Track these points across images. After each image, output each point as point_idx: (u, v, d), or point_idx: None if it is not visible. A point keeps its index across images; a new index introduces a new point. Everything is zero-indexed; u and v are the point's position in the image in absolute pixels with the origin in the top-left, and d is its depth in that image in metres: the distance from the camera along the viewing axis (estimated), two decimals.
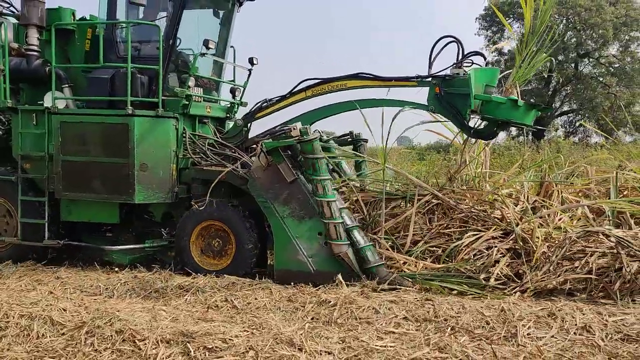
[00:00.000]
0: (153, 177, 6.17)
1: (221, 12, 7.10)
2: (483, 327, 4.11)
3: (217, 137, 6.73)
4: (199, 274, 5.76)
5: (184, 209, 6.42)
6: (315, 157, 5.33)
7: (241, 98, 7.55)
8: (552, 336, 3.89)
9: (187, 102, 6.35)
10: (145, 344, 3.73)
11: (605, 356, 3.58)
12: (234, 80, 7.68)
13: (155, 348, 3.68)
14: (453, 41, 5.73)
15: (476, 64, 5.69)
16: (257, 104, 6.74)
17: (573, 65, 29.06)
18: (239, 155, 6.31)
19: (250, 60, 7.27)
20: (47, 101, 6.43)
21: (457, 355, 3.59)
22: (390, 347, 3.75)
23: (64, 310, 4.41)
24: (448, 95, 5.64)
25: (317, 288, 5.18)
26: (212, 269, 6.02)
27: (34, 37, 6.50)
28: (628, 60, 27.67)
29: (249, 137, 6.82)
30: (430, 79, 5.84)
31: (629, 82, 27.18)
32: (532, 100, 5.25)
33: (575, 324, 4.04)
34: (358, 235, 5.52)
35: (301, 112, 6.55)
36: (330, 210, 5.35)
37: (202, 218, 6.07)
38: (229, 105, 7.50)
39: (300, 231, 5.62)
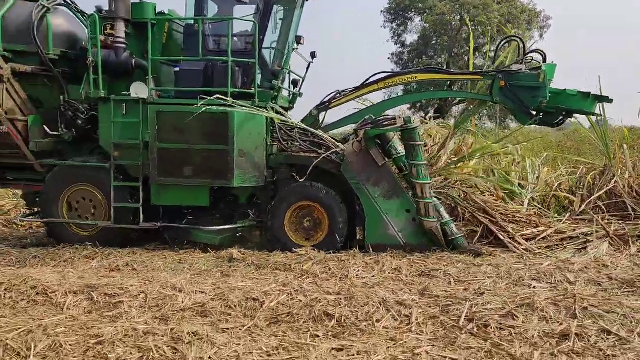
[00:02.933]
0: (249, 163, 6.69)
1: (290, 7, 7.56)
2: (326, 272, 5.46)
3: (294, 125, 7.30)
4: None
5: (270, 191, 7.02)
6: (416, 143, 6.11)
7: (299, 89, 8.10)
8: (373, 275, 5.33)
9: (276, 94, 6.89)
10: (56, 294, 4.58)
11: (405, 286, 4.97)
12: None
13: (64, 297, 4.54)
14: (515, 39, 6.64)
15: (535, 60, 6.62)
16: (329, 94, 7.39)
17: (466, 58, 31.87)
18: (326, 142, 6.93)
19: (313, 54, 7.82)
20: (137, 92, 6.74)
21: (295, 289, 4.78)
22: (249, 285, 4.91)
23: None
24: (514, 88, 6.55)
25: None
26: (303, 244, 6.67)
27: (121, 30, 6.78)
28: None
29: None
30: (495, 73, 6.73)
31: None
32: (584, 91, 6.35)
33: (391, 267, 5.56)
34: (443, 212, 6.40)
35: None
36: (423, 191, 6.17)
37: (298, 198, 6.68)
38: (291, 96, 8.05)
39: (390, 209, 6.42)
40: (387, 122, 6.23)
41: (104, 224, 6.85)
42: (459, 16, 31.30)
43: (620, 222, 7.11)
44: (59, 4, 7.23)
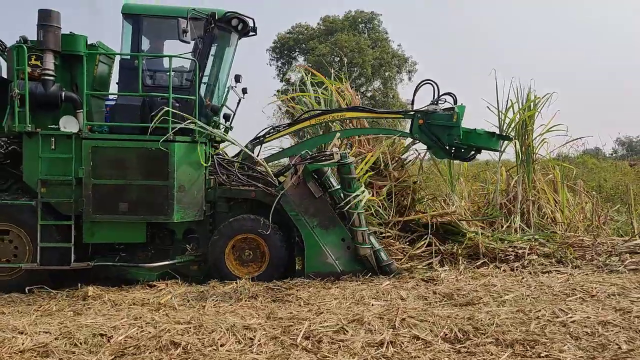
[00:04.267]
0: (188, 198, 6.77)
1: (225, 45, 7.81)
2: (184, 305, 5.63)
3: (232, 159, 7.55)
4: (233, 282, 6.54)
5: (207, 225, 7.13)
6: (352, 176, 6.73)
7: (231, 122, 8.36)
8: (230, 304, 5.60)
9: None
10: None
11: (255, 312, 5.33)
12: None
13: None
14: (429, 83, 7.67)
15: (447, 102, 7.68)
16: (264, 129, 7.79)
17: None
18: (263, 176, 7.27)
19: (244, 90, 8.16)
20: (66, 125, 6.52)
21: (147, 321, 4.87)
22: (100, 322, 4.89)
23: None
24: (431, 126, 7.53)
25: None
26: (246, 276, 6.87)
27: (50, 62, 6.54)
28: (391, 96, 34.66)
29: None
30: (413, 113, 7.68)
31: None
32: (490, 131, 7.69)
33: (248, 295, 5.90)
34: (374, 240, 7.07)
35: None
36: (359, 220, 6.78)
37: (238, 231, 6.89)
38: (223, 130, 8.28)
39: (327, 238, 6.91)
40: (324, 158, 6.78)
41: (28, 265, 6.39)
42: (338, 57, 33.75)
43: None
44: None
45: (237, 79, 7.28)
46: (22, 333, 4.52)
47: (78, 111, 6.64)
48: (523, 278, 6.59)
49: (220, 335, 4.43)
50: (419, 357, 4.04)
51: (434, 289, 6.05)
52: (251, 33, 7.64)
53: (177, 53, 6.92)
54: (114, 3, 7.49)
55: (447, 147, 7.55)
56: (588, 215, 9.14)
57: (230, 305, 5.56)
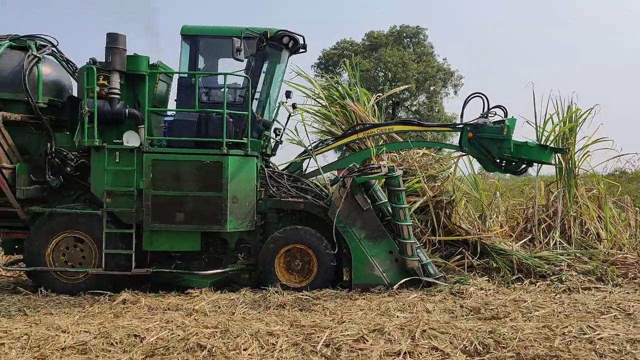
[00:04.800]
0: (240, 209, 7.06)
1: (276, 62, 8.06)
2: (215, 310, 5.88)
3: (282, 172, 7.82)
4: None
5: (258, 235, 7.40)
6: (400, 189, 6.84)
7: (281, 137, 8.65)
8: (258, 312, 5.88)
9: (266, 143, 7.40)
10: None
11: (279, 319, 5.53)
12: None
13: None
14: (479, 96, 7.68)
15: (498, 115, 7.67)
16: (313, 142, 8.03)
17: (391, 110, 35.24)
18: (312, 188, 7.49)
19: (294, 105, 8.45)
20: (128, 140, 6.96)
21: (178, 325, 5.19)
22: (135, 324, 5.21)
23: None
24: (480, 140, 7.53)
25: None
26: (295, 285, 7.07)
27: (116, 81, 7.02)
28: (436, 110, 34.19)
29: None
30: (463, 125, 7.71)
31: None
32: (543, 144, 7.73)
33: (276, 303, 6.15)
34: (422, 254, 7.11)
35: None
36: (408, 232, 6.86)
37: (288, 242, 7.11)
38: (274, 144, 8.59)
39: (375, 251, 7.01)
40: (372, 170, 6.93)
41: (95, 270, 6.84)
42: (382, 73, 33.96)
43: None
44: (49, 53, 7.36)
45: (288, 94, 7.59)
46: (64, 332, 4.90)
47: (140, 127, 7.07)
48: (557, 295, 6.51)
49: (244, 340, 4.65)
50: None
51: (461, 303, 6.06)
52: (301, 50, 7.95)
53: (231, 71, 7.29)
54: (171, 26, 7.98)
55: (498, 160, 7.53)
56: (634, 233, 8.84)
57: (259, 312, 5.81)
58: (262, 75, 7.65)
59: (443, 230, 7.89)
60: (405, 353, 4.31)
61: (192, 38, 7.39)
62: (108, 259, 6.83)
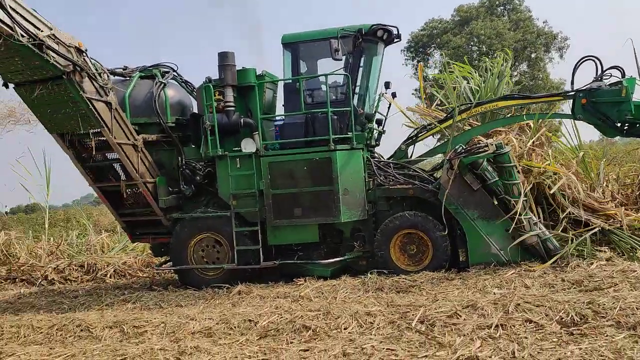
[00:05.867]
0: (352, 199, 7.47)
1: (373, 56, 8.34)
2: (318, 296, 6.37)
3: (388, 161, 8.09)
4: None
5: (371, 223, 7.74)
6: (511, 164, 6.78)
7: (383, 126, 8.89)
8: (358, 295, 6.22)
9: (370, 135, 7.73)
10: (95, 329, 5.54)
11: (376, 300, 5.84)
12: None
13: (102, 331, 5.50)
14: (591, 59, 7.30)
15: (615, 76, 7.24)
16: (415, 128, 8.18)
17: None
18: (419, 173, 7.68)
19: (393, 94, 8.65)
20: (246, 147, 7.64)
21: (285, 310, 5.66)
22: (249, 311, 5.79)
23: None
24: (597, 105, 7.17)
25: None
26: (410, 269, 7.32)
27: (230, 95, 7.75)
28: (539, 78, 31.53)
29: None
30: (574, 92, 7.39)
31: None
32: None
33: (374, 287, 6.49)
34: (542, 227, 6.97)
35: None
36: (523, 207, 6.77)
37: (400, 227, 7.38)
38: (377, 134, 8.88)
39: (490, 229, 7.02)
40: (479, 150, 6.94)
41: (230, 266, 7.65)
42: (476, 47, 32.58)
43: None
44: (172, 78, 8.31)
45: (387, 85, 7.84)
46: (192, 319, 5.59)
47: (254, 133, 7.74)
48: None
49: (344, 320, 5.02)
50: (526, 337, 4.12)
51: (563, 277, 5.92)
52: (396, 40, 8.15)
53: (331, 69, 7.70)
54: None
55: (619, 125, 7.14)
56: None
57: (358, 296, 6.17)
58: (361, 70, 7.97)
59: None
60: (497, 326, 4.40)
61: (292, 45, 7.91)
62: (239, 255, 7.60)
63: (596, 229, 6.87)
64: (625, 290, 5.14)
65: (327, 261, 7.63)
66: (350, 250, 7.81)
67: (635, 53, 8.03)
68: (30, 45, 5.99)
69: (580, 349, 3.78)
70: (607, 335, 3.99)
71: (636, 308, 4.43)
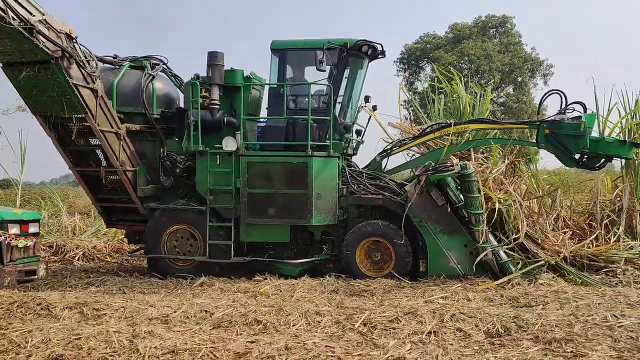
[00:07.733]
0: (324, 204, 7.80)
1: (357, 69, 8.70)
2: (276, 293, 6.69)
3: (362, 170, 8.45)
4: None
5: (341, 229, 8.08)
6: (472, 180, 7.15)
7: (362, 137, 9.22)
8: (314, 295, 6.53)
9: (347, 145, 8.07)
10: (55, 309, 5.65)
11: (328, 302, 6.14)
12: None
13: (62, 311, 5.62)
14: (556, 92, 7.78)
15: (577, 110, 7.71)
16: (390, 142, 8.56)
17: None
18: (390, 185, 8.05)
19: (374, 107, 9.00)
20: (227, 145, 7.91)
21: (241, 304, 5.93)
22: (207, 302, 6.06)
23: None
24: (557, 136, 7.64)
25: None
26: (370, 274, 7.66)
27: (216, 94, 8.02)
28: (522, 102, 32.41)
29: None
30: (539, 122, 7.85)
31: (515, 117, 31.46)
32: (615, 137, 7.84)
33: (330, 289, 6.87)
34: (493, 240, 7.39)
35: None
36: (476, 220, 7.14)
37: (367, 235, 7.73)
38: (355, 144, 9.22)
39: (450, 244, 7.43)
40: (446, 168, 7.33)
41: (201, 258, 7.91)
42: (465, 65, 33.29)
43: None
44: (161, 71, 8.54)
45: (367, 99, 8.20)
46: (152, 306, 5.83)
47: (236, 132, 8.02)
48: (600, 287, 6.62)
49: (294, 318, 5.34)
50: (452, 344, 4.51)
51: (502, 293, 6.37)
52: (380, 56, 8.51)
53: (316, 78, 8.02)
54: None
55: (577, 157, 7.60)
56: None
57: (314, 296, 6.49)
58: (344, 81, 8.32)
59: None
60: (430, 332, 4.77)
61: (281, 51, 8.23)
62: (211, 249, 7.87)
63: (541, 262, 7.33)
64: (552, 308, 5.56)
65: (296, 261, 7.94)
66: (319, 252, 8.14)
67: (595, 90, 8.66)
68: (20, 29, 6.12)
69: (496, 357, 4.16)
70: (522, 347, 4.36)
71: (555, 325, 4.82)
